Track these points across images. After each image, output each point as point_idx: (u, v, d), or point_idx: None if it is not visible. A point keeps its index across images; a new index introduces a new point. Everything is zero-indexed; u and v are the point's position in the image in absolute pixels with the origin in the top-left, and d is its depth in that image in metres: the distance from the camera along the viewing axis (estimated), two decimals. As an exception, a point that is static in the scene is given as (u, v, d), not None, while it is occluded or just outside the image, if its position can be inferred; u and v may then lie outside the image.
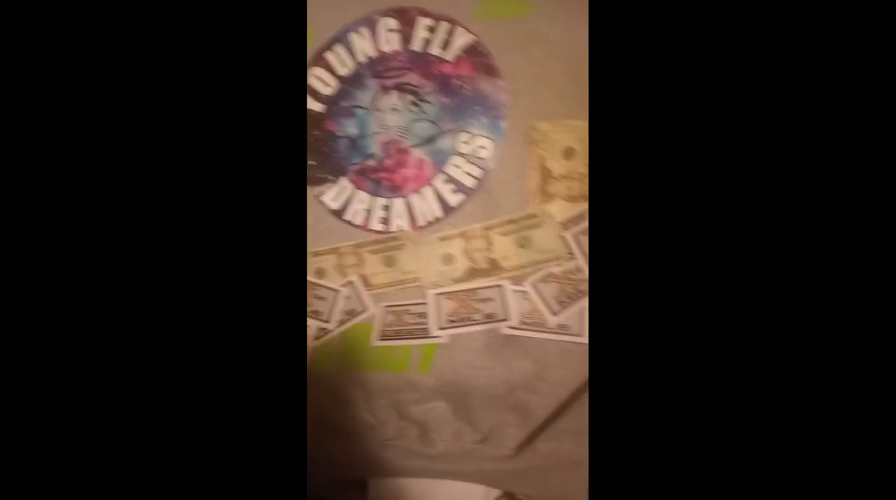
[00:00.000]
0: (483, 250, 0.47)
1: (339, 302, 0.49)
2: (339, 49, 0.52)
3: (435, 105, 0.50)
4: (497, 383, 0.44)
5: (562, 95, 0.47)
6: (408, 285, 0.48)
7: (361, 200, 0.51)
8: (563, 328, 0.44)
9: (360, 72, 0.52)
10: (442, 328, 0.45)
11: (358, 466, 0.46)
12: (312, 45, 0.53)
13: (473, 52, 0.49)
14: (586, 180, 0.46)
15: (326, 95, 0.52)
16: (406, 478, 0.45)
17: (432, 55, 0.50)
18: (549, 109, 0.47)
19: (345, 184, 0.52)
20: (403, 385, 0.46)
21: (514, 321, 0.44)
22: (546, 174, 0.47)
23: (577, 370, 0.43)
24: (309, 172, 0.52)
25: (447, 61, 0.50)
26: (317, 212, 0.51)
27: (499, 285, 0.46)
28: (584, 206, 0.46)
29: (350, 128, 0.52)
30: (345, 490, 0.47)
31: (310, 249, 0.51)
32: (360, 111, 0.52)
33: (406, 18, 0.51)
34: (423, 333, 0.46)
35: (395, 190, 0.50)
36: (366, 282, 0.50)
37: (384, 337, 0.47)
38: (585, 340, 0.43)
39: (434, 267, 0.48)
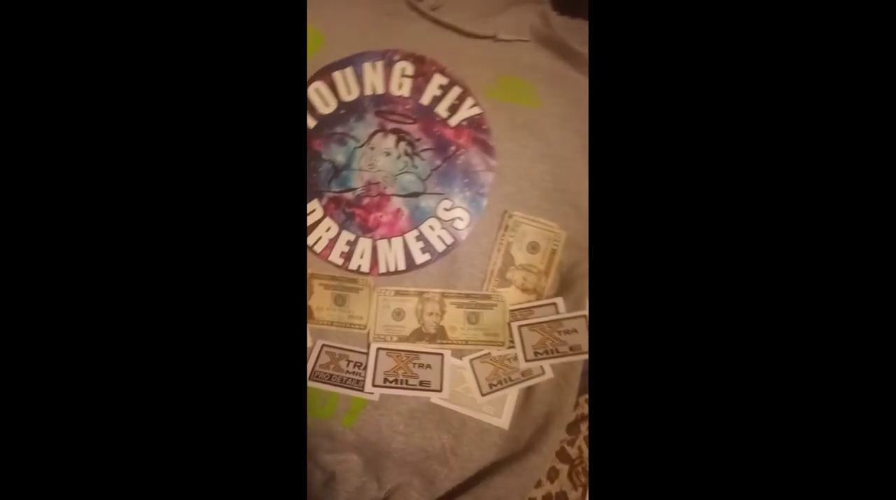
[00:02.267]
0: (435, 314, 0.49)
1: (277, 326, 0.48)
2: (349, 73, 0.51)
3: (427, 163, 0.50)
4: (413, 450, 0.45)
5: (541, 193, 0.50)
6: (353, 330, 0.48)
7: (328, 228, 0.50)
8: (486, 409, 0.47)
9: (363, 103, 0.51)
10: (376, 385, 0.46)
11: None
12: (322, 58, 0.51)
13: (475, 125, 0.51)
14: (541, 277, 0.49)
15: (322, 114, 0.51)
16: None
17: (438, 114, 0.51)
18: (526, 201, 0.50)
19: (315, 207, 0.50)
20: (321, 432, 0.46)
21: (445, 393, 0.46)
22: (508, 260, 0.50)
23: (489, 452, 0.46)
24: (281, 184, 0.50)
25: (449, 125, 0.51)
26: (278, 227, 0.49)
27: (440, 354, 0.48)
28: (534, 300, 0.49)
29: (337, 154, 0.51)
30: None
31: (261, 264, 0.49)
32: (351, 142, 0.51)
33: (423, 69, 0.51)
34: (357, 385, 0.47)
35: (366, 230, 0.50)
36: (309, 314, 0.49)
37: (314, 377, 0.47)
38: (504, 425, 0.47)
39: (383, 319, 0.49)
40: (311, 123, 0.51)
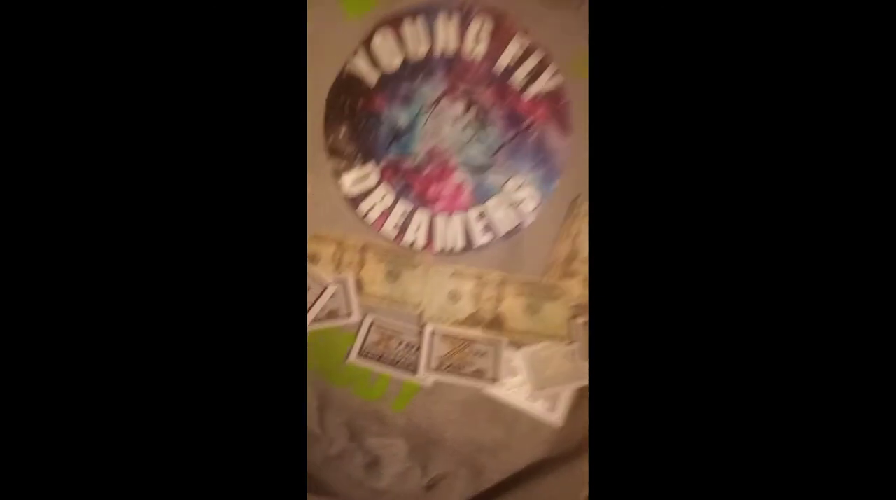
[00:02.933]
0: (492, 300, 0.46)
1: (324, 298, 0.45)
2: (420, 23, 0.46)
3: (497, 135, 0.46)
4: (464, 441, 0.43)
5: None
6: (404, 308, 0.45)
7: (383, 196, 0.46)
8: (540, 405, 0.45)
9: (433, 60, 0.46)
10: (430, 370, 0.43)
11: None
12: (393, 6, 0.45)
13: (554, 99, 0.46)
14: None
15: (387, 69, 0.46)
16: (337, 501, 0.43)
17: (513, 83, 0.46)
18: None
19: (370, 172, 0.46)
20: (368, 414, 0.43)
21: (499, 384, 0.44)
22: (575, 251, 0.46)
23: (540, 447, 0.44)
24: (335, 144, 0.46)
25: (526, 96, 0.46)
26: (329, 191, 0.45)
27: (497, 343, 0.45)
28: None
29: (399, 115, 0.46)
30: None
31: (312, 229, 0.45)
32: (417, 103, 0.46)
33: (503, 29, 0.46)
34: (409, 368, 0.44)
35: (424, 202, 0.46)
36: (360, 287, 0.45)
37: (364, 356, 0.44)
38: (557, 422, 0.45)
39: (438, 300, 0.45)
40: (373, 77, 0.46)
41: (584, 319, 0.45)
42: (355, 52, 0.45)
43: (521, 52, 0.46)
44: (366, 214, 0.46)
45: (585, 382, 0.45)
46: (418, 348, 0.44)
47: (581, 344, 0.45)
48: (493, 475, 0.43)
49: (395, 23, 0.45)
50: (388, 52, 0.46)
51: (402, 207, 0.46)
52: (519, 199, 0.46)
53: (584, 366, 0.45)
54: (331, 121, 0.46)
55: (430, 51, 0.46)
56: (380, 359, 0.44)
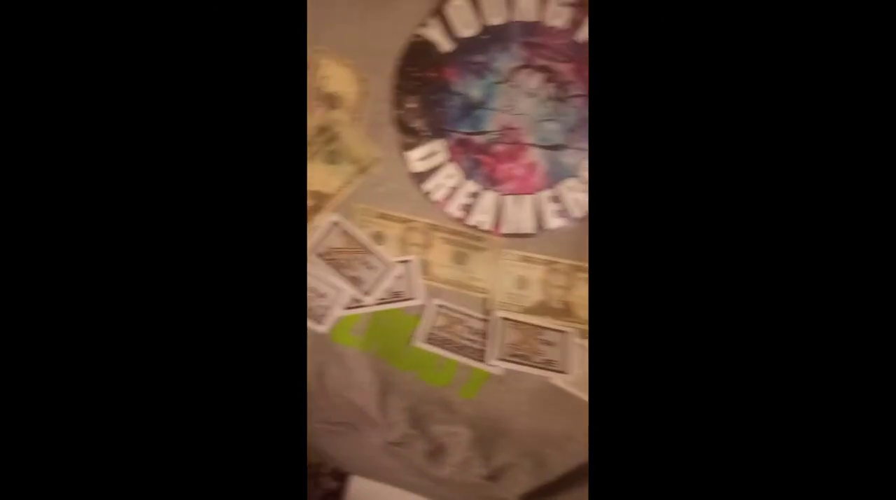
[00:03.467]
0: (562, 288, 0.44)
1: (388, 279, 0.43)
2: (499, -10, 0.42)
3: (575, 112, 0.43)
4: (533, 432, 0.42)
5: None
6: (471, 293, 0.43)
7: (450, 174, 0.44)
8: (608, 396, 0.43)
9: (511, 29, 0.43)
10: (500, 359, 0.42)
11: (349, 458, 0.42)
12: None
13: (638, 75, 0.43)
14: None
15: (461, 37, 0.43)
16: (396, 489, 0.42)
17: (598, 55, 0.43)
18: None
19: (439, 148, 0.44)
20: (434, 400, 0.42)
21: (570, 376, 0.42)
22: (651, 238, 0.44)
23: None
24: (404, 117, 0.43)
25: (610, 71, 0.43)
26: (396, 168, 0.43)
27: (565, 332, 0.43)
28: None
29: (472, 88, 0.43)
30: (319, 475, 0.43)
31: (377, 208, 0.43)
32: (491, 76, 0.43)
33: (589, -2, 0.43)
34: (477, 355, 0.42)
35: (493, 182, 0.44)
36: (425, 269, 0.44)
37: (430, 340, 0.42)
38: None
39: (506, 286, 0.43)
40: (446, 46, 0.43)
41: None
42: (428, 19, 0.42)
43: (605, 24, 0.43)
44: (431, 193, 0.44)
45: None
46: (485, 335, 0.42)
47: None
48: (557, 468, 0.42)
49: (472, -13, 0.42)
50: (464, 20, 0.42)
51: (469, 187, 0.44)
52: (595, 182, 0.43)
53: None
54: (400, 92, 0.43)
55: (509, 19, 0.43)
56: (446, 344, 0.43)
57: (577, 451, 0.42)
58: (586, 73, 0.43)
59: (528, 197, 0.44)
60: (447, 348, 0.42)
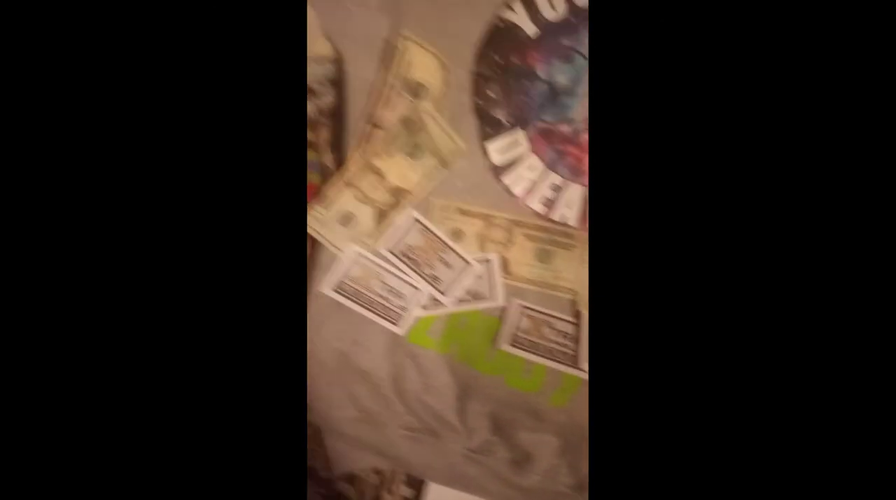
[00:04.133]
0: (654, 288, 0.41)
1: (467, 278, 0.41)
2: (590, -33, 0.39)
3: (673, 99, 0.40)
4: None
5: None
6: (556, 293, 0.41)
7: (532, 167, 0.41)
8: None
9: (602, 10, 0.40)
10: (593, 364, 0.39)
11: (427, 464, 0.40)
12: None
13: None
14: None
15: (548, 20, 0.40)
16: (476, 497, 0.40)
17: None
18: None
19: (520, 139, 0.41)
20: (520, 406, 0.40)
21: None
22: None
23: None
24: (484, 105, 0.41)
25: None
26: (475, 160, 0.40)
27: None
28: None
29: (559, 74, 0.40)
30: (393, 482, 0.41)
31: (456, 202, 0.41)
32: (580, 60, 0.40)
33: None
34: (569, 360, 0.40)
35: (578, 174, 0.41)
36: (505, 268, 0.41)
37: (515, 343, 0.40)
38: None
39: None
40: (530, 30, 0.40)
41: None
42: (512, 1, 0.39)
43: None
44: (511, 186, 0.41)
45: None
46: (577, 339, 0.40)
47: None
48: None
49: (559, -35, 0.39)
50: (550, 1, 0.40)
51: (552, 179, 0.41)
52: (691, 174, 0.40)
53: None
54: (480, 77, 0.40)
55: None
56: (534, 348, 0.40)
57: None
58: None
59: (616, 191, 0.41)
60: (535, 352, 0.40)
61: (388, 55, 0.38)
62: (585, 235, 0.41)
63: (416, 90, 0.39)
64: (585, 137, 0.41)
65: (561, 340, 0.40)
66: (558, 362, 0.40)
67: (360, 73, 0.38)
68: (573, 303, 0.40)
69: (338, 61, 0.38)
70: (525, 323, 0.41)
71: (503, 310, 0.41)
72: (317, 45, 0.37)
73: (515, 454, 0.40)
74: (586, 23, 0.40)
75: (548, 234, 0.41)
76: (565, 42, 0.40)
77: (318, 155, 0.41)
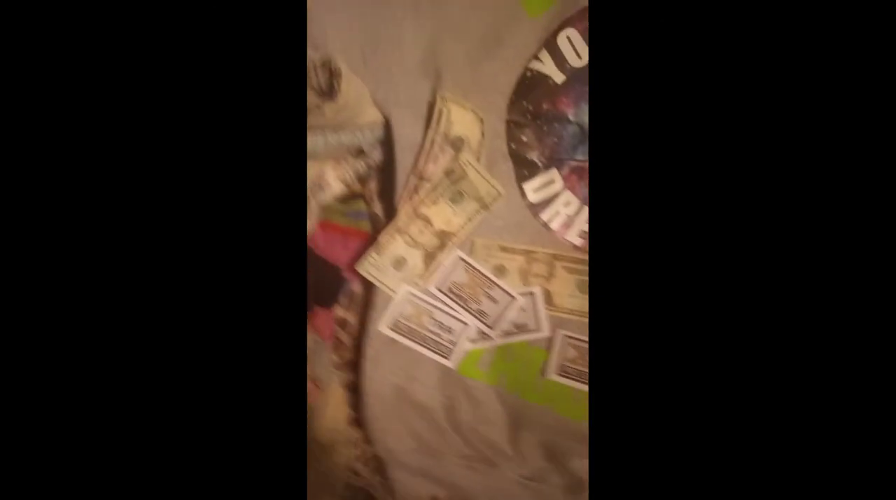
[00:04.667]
0: (696, 314, 0.42)
1: (512, 311, 0.43)
2: (610, 16, 0.42)
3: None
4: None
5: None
6: (599, 323, 0.42)
7: (567, 202, 0.44)
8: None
9: (625, 55, 0.42)
10: (640, 391, 0.40)
11: (483, 493, 0.42)
12: (576, 0, 0.42)
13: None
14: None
15: (573, 67, 0.43)
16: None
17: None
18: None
19: (554, 177, 0.44)
20: (571, 434, 0.41)
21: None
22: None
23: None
24: (518, 149, 0.44)
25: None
26: (513, 200, 0.43)
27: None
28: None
29: (586, 116, 0.43)
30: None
31: (497, 240, 0.43)
32: (607, 102, 0.43)
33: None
34: None
35: (612, 208, 0.43)
36: (549, 300, 0.43)
37: (563, 373, 0.42)
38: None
39: (636, 314, 0.42)
40: (557, 76, 0.43)
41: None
42: (539, 51, 0.43)
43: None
44: (550, 222, 0.44)
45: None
46: (622, 367, 0.41)
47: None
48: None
49: (580, 22, 0.42)
50: (576, 50, 0.43)
51: (587, 214, 0.43)
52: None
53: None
54: (513, 124, 0.44)
55: (621, 44, 0.42)
56: (580, 377, 0.42)
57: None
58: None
59: (651, 221, 0.43)
60: (582, 380, 0.42)
61: (431, 115, 0.42)
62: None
63: (456, 144, 0.43)
64: (617, 172, 0.43)
65: (607, 368, 0.42)
66: None
67: (407, 133, 0.42)
68: (616, 331, 0.42)
69: (386, 124, 0.42)
70: (571, 353, 0.42)
71: (549, 340, 0.43)
72: (367, 113, 0.41)
73: (568, 480, 0.41)
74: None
75: (586, 265, 0.43)
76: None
77: (368, 206, 0.45)
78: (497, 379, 0.43)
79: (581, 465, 0.41)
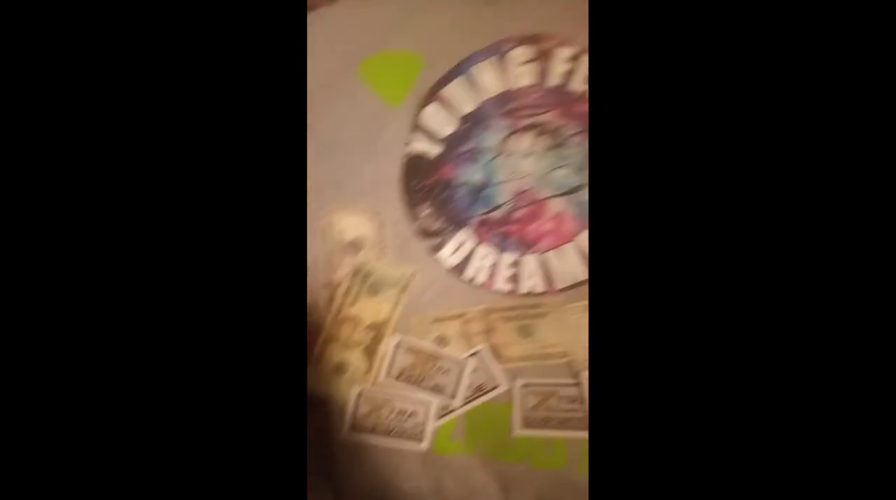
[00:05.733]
0: (641, 322, 0.40)
1: (466, 375, 0.43)
2: (461, 83, 0.46)
3: (579, 149, 0.43)
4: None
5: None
6: (550, 361, 0.42)
7: (484, 255, 0.45)
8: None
9: (485, 110, 0.45)
10: (605, 421, 0.39)
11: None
12: (427, 78, 0.46)
13: (622, 88, 0.42)
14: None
15: (444, 136, 0.46)
16: None
17: (573, 91, 0.43)
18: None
19: (465, 237, 0.45)
20: (558, 485, 0.40)
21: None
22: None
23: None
24: (422, 224, 0.46)
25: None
26: (433, 270, 0.45)
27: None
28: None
29: (472, 174, 0.45)
30: None
31: (428, 312, 0.45)
32: (485, 155, 0.45)
33: (542, 48, 0.44)
34: (580, 423, 0.40)
35: (527, 246, 0.44)
36: (496, 353, 0.43)
37: (528, 425, 0.41)
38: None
39: (583, 340, 0.41)
40: (433, 150, 0.46)
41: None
42: (410, 134, 0.46)
43: (569, 60, 0.43)
44: (475, 278, 0.45)
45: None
46: (582, 399, 0.40)
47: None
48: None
49: (437, 93, 0.46)
50: (440, 122, 0.46)
51: (507, 259, 0.44)
52: (626, 205, 0.41)
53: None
54: (411, 205, 0.46)
55: (479, 101, 0.45)
56: (546, 424, 0.41)
57: None
58: (574, 111, 0.43)
59: (568, 245, 0.43)
60: (549, 427, 0.40)
61: (324, 230, 0.46)
62: (555, 298, 0.42)
63: (355, 245, 0.46)
64: (518, 213, 0.44)
65: (569, 406, 0.40)
66: (573, 430, 0.40)
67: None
68: (570, 364, 0.41)
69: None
70: (531, 401, 0.42)
71: (509, 394, 0.42)
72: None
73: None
74: (477, 123, 0.45)
75: (520, 310, 0.43)
76: (465, 148, 0.45)
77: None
78: (474, 447, 0.43)
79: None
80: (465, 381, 0.43)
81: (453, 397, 0.43)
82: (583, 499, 0.40)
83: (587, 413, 0.40)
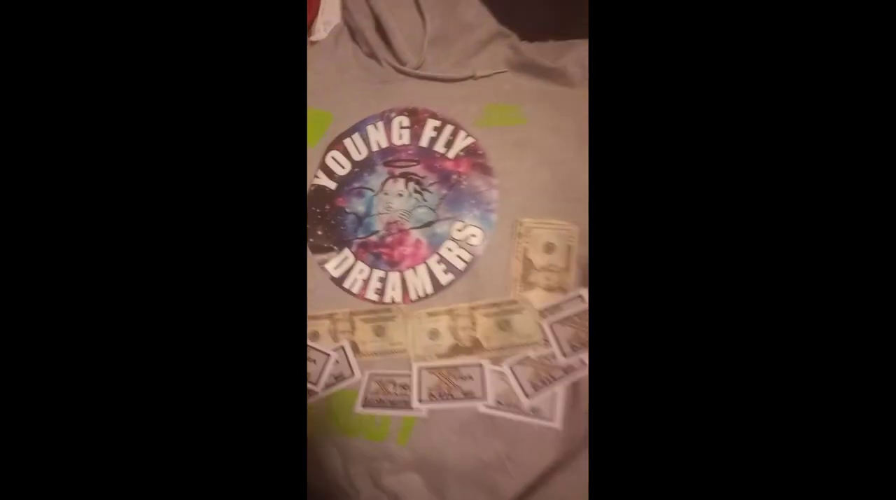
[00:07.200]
0: (467, 328, 0.51)
1: (329, 366, 0.52)
2: (357, 137, 0.60)
3: (435, 195, 0.56)
4: (469, 461, 0.46)
5: (546, 196, 0.53)
6: (395, 356, 0.52)
7: (361, 270, 0.56)
8: (535, 412, 0.47)
9: (372, 158, 0.59)
10: (422, 402, 0.48)
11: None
12: (334, 131, 0.60)
13: (472, 153, 0.56)
14: (563, 274, 0.51)
15: (340, 175, 0.59)
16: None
17: (437, 152, 0.57)
18: (534, 208, 0.52)
19: (347, 254, 0.57)
20: (380, 454, 0.48)
21: (490, 401, 0.47)
22: (528, 265, 0.52)
23: (546, 454, 0.45)
24: (316, 241, 0.57)
25: (449, 158, 0.57)
26: (319, 278, 0.56)
27: (479, 364, 0.49)
28: (560, 297, 0.50)
29: (358, 206, 0.58)
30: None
31: (308, 312, 0.55)
32: (368, 193, 0.58)
33: (417, 118, 0.59)
34: (405, 404, 0.49)
35: (393, 265, 0.55)
36: (355, 348, 0.53)
37: (366, 404, 0.50)
38: (556, 424, 0.46)
39: (421, 340, 0.52)
40: (331, 185, 0.59)
41: (549, 320, 0.49)
42: (317, 172, 0.59)
43: (436, 129, 0.58)
44: (350, 288, 0.55)
45: (572, 379, 0.47)
46: (410, 386, 0.49)
47: (554, 343, 0.48)
48: (508, 491, 0.44)
49: (339, 143, 0.60)
50: (339, 164, 0.59)
51: (377, 274, 0.55)
52: (466, 237, 0.54)
53: (565, 362, 0.47)
54: (310, 226, 0.58)
55: (369, 152, 0.59)
56: (380, 404, 0.50)
57: (519, 471, 0.44)
58: (435, 166, 0.56)
59: (421, 266, 0.54)
60: (381, 407, 0.49)
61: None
62: (406, 306, 0.53)
63: None
64: (389, 239, 0.56)
65: (400, 391, 0.50)
66: (398, 409, 0.49)
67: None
68: (407, 359, 0.51)
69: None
70: (374, 387, 0.51)
71: (359, 382, 0.51)
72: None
73: (391, 499, 0.46)
74: (365, 168, 0.58)
75: (377, 314, 0.54)
76: (355, 185, 0.58)
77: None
78: (329, 429, 0.51)
79: (393, 481, 0.47)
80: (328, 370, 0.52)
81: (316, 383, 0.52)
82: (396, 465, 0.48)
83: (410, 398, 0.49)
